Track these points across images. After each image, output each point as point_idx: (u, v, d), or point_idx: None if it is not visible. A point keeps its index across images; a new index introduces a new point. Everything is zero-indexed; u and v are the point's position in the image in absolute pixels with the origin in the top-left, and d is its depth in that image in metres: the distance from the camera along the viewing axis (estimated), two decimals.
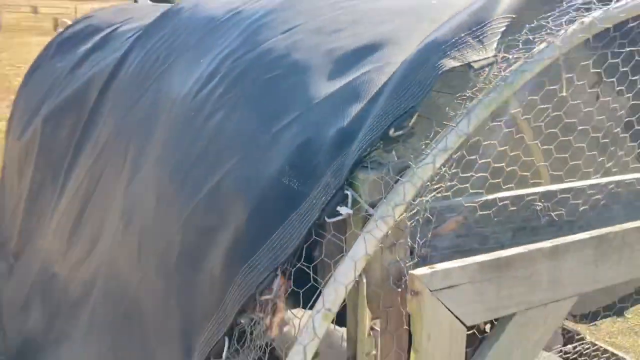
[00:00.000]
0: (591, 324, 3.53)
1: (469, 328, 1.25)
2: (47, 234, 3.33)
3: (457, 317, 1.22)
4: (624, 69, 1.39)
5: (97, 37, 4.72)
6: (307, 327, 1.06)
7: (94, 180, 2.82)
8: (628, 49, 1.36)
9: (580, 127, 1.55)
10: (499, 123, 1.28)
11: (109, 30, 4.78)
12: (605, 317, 3.40)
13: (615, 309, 3.31)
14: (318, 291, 1.11)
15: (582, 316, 3.51)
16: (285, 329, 1.28)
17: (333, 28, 1.77)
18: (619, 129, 1.70)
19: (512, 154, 1.42)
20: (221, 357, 1.20)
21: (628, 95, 1.54)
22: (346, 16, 1.84)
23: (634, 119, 1.63)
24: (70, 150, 3.41)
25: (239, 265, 1.27)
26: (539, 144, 1.73)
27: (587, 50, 1.44)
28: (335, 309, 1.07)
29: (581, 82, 1.40)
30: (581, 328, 3.53)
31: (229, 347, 1.20)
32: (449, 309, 1.20)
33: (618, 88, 1.48)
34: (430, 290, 1.17)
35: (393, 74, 1.27)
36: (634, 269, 1.48)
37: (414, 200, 1.13)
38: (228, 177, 1.48)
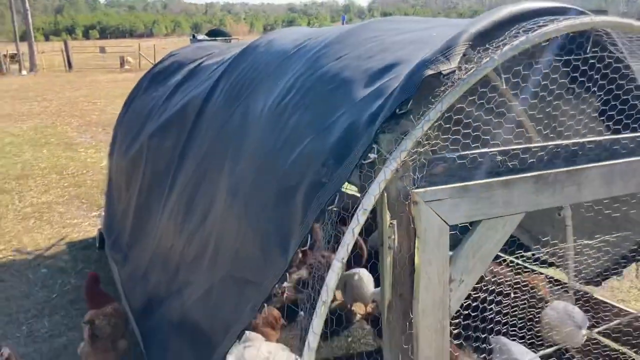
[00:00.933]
0: (597, 286, 4.24)
1: (451, 227, 2.11)
2: (161, 222, 4.34)
3: (442, 219, 2.09)
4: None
5: (184, 70, 5.85)
6: (354, 216, 1.97)
7: (201, 177, 3.82)
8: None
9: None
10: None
11: (193, 65, 5.90)
12: (606, 278, 4.13)
13: (615, 270, 4.04)
14: (358, 202, 2.01)
15: (588, 280, 4.23)
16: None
17: (368, 55, 2.71)
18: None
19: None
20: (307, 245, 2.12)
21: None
22: (377, 47, 2.77)
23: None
24: (175, 159, 4.42)
25: (313, 197, 2.20)
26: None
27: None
28: (369, 208, 1.97)
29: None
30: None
31: (311, 239, 2.12)
32: (436, 213, 2.07)
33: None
34: (425, 202, 2.05)
35: (401, 81, 2.18)
36: (563, 198, 2.31)
37: (412, 150, 2.02)
38: (304, 150, 2.42)
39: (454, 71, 2.05)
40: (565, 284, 4.28)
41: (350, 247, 1.97)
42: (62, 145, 12.18)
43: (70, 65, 35.22)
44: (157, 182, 4.73)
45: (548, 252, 4.13)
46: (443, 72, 2.03)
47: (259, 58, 3.95)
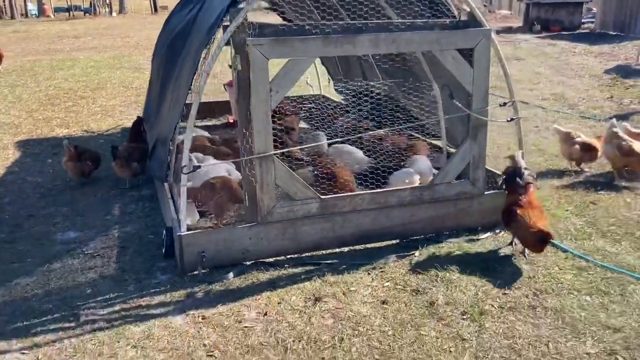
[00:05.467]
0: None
1: (269, 60, 4.04)
2: (154, 106, 6.47)
3: (264, 55, 4.01)
4: None
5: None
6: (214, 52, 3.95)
7: (164, 77, 5.87)
8: None
9: None
10: None
11: None
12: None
13: None
14: (227, 33, 3.98)
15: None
16: None
17: None
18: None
19: None
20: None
21: None
22: None
23: None
24: (172, 61, 6.48)
25: (200, 52, 4.19)
26: None
27: None
28: (222, 45, 3.94)
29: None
30: None
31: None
32: (260, 52, 4.00)
33: None
34: (253, 45, 3.98)
35: None
36: (343, 51, 4.16)
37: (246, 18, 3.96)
38: (203, 26, 4.40)
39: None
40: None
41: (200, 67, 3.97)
42: (132, 69, 14.71)
43: (155, 8, 38.14)
44: (164, 78, 6.86)
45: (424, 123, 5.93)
46: None
47: None
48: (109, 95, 11.50)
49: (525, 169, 4.39)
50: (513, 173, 4.43)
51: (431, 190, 4.67)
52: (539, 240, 4.07)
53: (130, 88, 12.12)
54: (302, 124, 8.28)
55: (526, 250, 4.34)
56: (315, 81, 9.62)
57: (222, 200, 4.74)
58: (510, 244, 4.41)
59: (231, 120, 8.60)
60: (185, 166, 4.08)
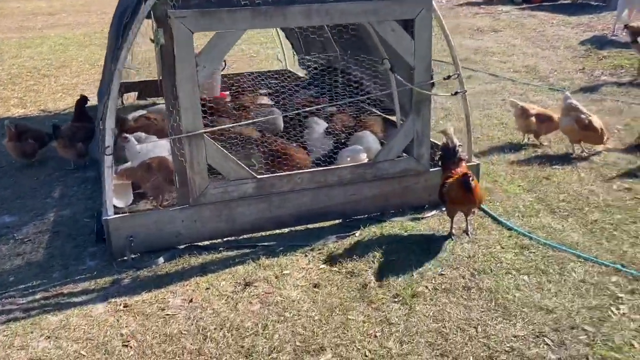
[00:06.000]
0: None
1: (194, 33, 3.82)
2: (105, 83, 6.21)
3: (188, 28, 3.80)
4: None
5: None
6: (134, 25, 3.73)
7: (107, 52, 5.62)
8: None
9: None
10: None
11: None
12: None
13: None
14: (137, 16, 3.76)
15: None
16: None
17: None
18: None
19: None
20: None
21: None
22: None
23: None
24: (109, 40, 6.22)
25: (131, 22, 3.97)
26: None
27: None
28: (142, 18, 3.72)
29: None
30: None
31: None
32: (184, 25, 3.78)
33: None
34: (176, 17, 3.76)
35: None
36: (273, 23, 3.95)
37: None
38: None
39: None
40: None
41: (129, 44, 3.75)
42: (102, 46, 14.31)
43: None
44: (107, 53, 6.62)
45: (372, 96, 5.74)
46: None
47: None
48: (73, 73, 11.19)
49: (459, 144, 4.22)
50: (445, 149, 4.26)
51: (374, 168, 4.51)
52: (463, 186, 3.90)
53: (96, 66, 11.79)
54: (266, 100, 8.08)
55: (469, 228, 4.21)
56: (283, 55, 9.40)
57: (158, 182, 4.56)
58: (451, 221, 4.27)
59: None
60: (108, 147, 3.89)
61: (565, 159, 5.62)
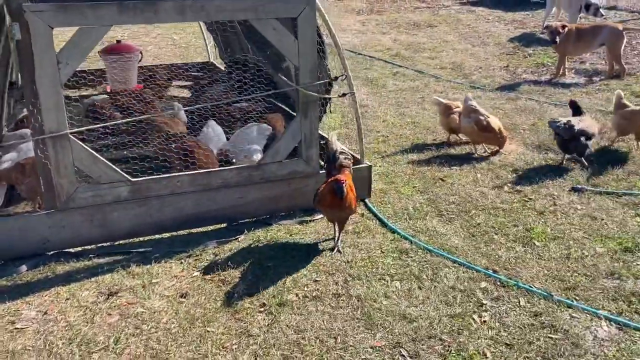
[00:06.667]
0: None
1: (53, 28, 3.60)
2: None
3: (47, 24, 3.57)
4: None
5: None
6: None
7: None
8: None
9: None
10: None
11: None
12: None
13: None
14: None
15: None
16: None
17: None
18: None
19: None
20: None
21: None
22: None
23: None
24: None
25: None
26: None
27: None
28: None
29: None
30: None
31: None
32: (41, 19, 3.55)
33: None
34: (31, 11, 3.52)
35: None
36: (144, 19, 3.75)
37: None
38: None
39: None
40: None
41: None
42: None
43: None
44: None
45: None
46: None
47: None
48: None
49: (341, 152, 4.11)
50: (326, 155, 4.16)
51: (261, 170, 4.38)
52: (335, 191, 3.75)
53: None
54: (186, 94, 7.89)
55: (339, 243, 4.05)
56: (206, 48, 9.21)
57: (33, 183, 4.32)
58: (334, 226, 4.18)
59: (108, 90, 8.06)
60: None
61: (465, 160, 5.63)
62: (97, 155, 3.97)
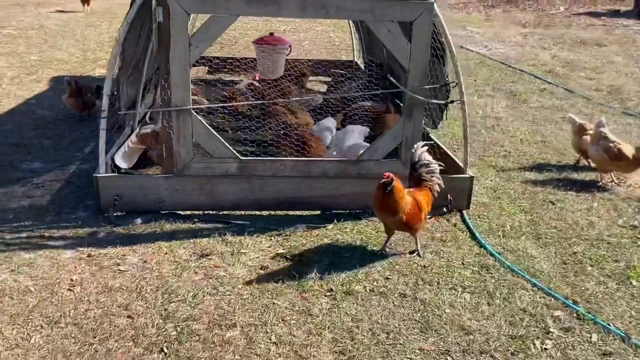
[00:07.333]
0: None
1: (190, 15, 4.06)
2: None
3: (184, 9, 4.05)
4: None
5: None
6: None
7: None
8: None
9: None
10: None
11: None
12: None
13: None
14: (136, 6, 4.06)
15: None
16: None
17: None
18: None
19: None
20: None
21: None
22: None
23: None
24: None
25: None
26: None
27: None
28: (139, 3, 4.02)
29: None
30: None
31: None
32: (180, 5, 4.03)
33: None
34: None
35: None
36: (266, 12, 4.09)
37: None
38: None
39: None
40: None
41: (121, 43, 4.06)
42: None
43: None
44: None
45: None
46: None
47: None
48: None
49: (424, 164, 4.03)
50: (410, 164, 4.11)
51: (358, 166, 4.54)
52: (383, 189, 3.73)
53: None
54: (323, 88, 8.31)
55: (418, 248, 4.07)
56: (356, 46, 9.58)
57: (162, 150, 4.89)
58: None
59: (257, 78, 8.71)
60: (104, 111, 4.26)
61: (586, 186, 5.29)
62: (213, 131, 4.40)
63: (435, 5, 4.20)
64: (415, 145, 4.08)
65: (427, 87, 4.38)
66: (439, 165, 4.12)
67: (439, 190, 4.09)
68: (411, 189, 3.96)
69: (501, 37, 14.02)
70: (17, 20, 13.67)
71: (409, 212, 3.81)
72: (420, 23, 4.20)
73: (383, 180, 3.74)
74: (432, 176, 4.04)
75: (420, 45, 4.25)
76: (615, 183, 5.35)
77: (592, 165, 5.64)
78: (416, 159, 4.01)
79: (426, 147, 4.10)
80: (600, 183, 5.34)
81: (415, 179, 4.03)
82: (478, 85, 9.33)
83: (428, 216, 4.20)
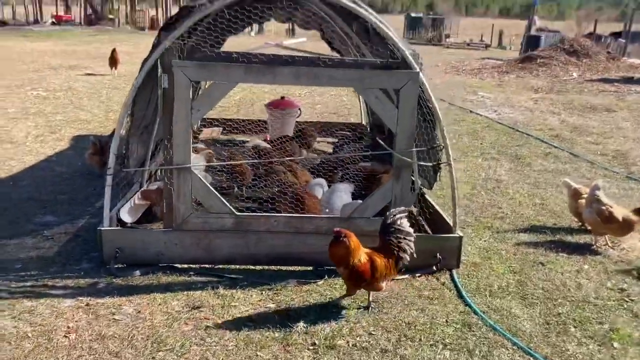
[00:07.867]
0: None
1: (193, 82, 4.40)
2: None
3: (187, 77, 4.38)
4: None
5: None
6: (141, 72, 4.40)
7: None
8: None
9: None
10: None
11: None
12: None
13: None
14: (148, 64, 4.43)
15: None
16: None
17: None
18: None
19: None
20: None
21: None
22: None
23: None
24: None
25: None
26: None
27: None
28: (150, 64, 4.38)
29: None
30: None
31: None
32: (184, 74, 4.37)
33: None
34: (178, 66, 4.37)
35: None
36: (265, 80, 4.41)
37: (177, 39, 4.36)
38: None
39: (204, 4, 4.32)
40: None
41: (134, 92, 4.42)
42: None
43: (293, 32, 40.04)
44: None
45: None
46: (198, 3, 4.32)
47: None
48: None
49: (398, 229, 4.11)
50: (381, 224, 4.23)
51: (349, 223, 4.72)
52: (333, 241, 4.02)
53: None
54: (327, 149, 8.60)
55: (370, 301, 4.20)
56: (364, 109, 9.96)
57: None
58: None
59: (267, 138, 9.06)
60: (109, 168, 4.55)
61: (579, 249, 5.37)
62: (211, 188, 4.65)
63: (420, 74, 4.47)
64: (392, 210, 4.23)
65: (414, 149, 4.59)
66: (412, 235, 4.17)
67: (407, 257, 4.14)
68: (374, 248, 4.09)
69: (511, 102, 14.32)
70: (48, 82, 14.44)
71: (358, 267, 3.97)
72: (406, 91, 4.46)
73: (334, 234, 3.99)
74: (401, 242, 4.11)
75: (407, 110, 4.50)
76: (609, 246, 5.42)
77: (589, 228, 5.73)
78: (388, 222, 4.14)
79: (405, 213, 4.22)
80: (594, 246, 5.42)
81: (384, 241, 4.15)
82: (484, 148, 9.54)
83: (397, 278, 4.44)
